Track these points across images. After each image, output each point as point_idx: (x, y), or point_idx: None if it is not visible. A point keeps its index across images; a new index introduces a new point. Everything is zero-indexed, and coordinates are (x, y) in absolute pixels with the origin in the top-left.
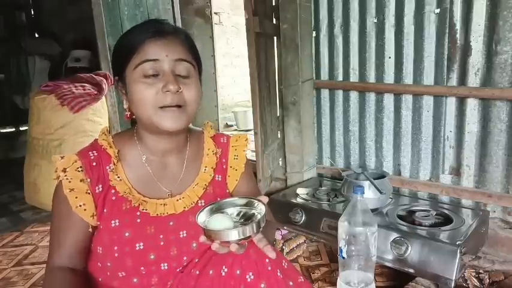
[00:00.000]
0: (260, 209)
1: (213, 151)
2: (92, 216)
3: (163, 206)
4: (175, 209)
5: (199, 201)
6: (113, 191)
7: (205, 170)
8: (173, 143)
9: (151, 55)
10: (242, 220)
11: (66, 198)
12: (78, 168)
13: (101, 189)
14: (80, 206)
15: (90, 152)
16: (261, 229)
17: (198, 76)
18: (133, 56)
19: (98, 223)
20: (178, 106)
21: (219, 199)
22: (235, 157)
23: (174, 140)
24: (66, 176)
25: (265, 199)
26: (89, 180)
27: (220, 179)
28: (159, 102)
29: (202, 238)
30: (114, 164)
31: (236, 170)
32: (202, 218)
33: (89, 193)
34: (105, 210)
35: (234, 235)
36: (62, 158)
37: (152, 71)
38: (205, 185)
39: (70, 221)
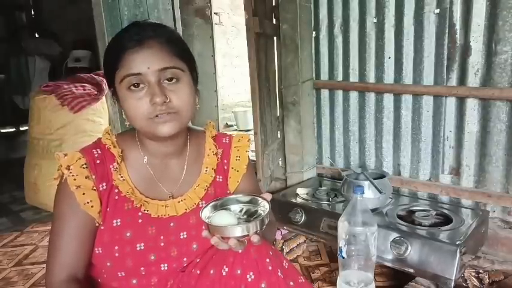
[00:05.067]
0: (264, 206)
1: (213, 151)
2: (98, 213)
3: (164, 207)
4: (177, 211)
5: (200, 203)
6: (116, 190)
7: (206, 170)
8: (172, 146)
9: (134, 69)
10: (245, 217)
11: (71, 196)
12: (82, 165)
13: (105, 187)
14: (88, 202)
15: (93, 150)
16: (264, 226)
17: (189, 76)
18: (117, 70)
19: (101, 222)
20: (171, 113)
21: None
22: (237, 158)
23: (173, 143)
24: (71, 172)
25: (269, 196)
26: (93, 177)
27: (221, 179)
28: (150, 114)
29: (205, 233)
30: (117, 163)
31: (237, 171)
32: (206, 213)
33: (94, 189)
34: (108, 209)
35: (237, 231)
36: (65, 155)
37: (137, 83)
38: (206, 186)
39: (75, 219)
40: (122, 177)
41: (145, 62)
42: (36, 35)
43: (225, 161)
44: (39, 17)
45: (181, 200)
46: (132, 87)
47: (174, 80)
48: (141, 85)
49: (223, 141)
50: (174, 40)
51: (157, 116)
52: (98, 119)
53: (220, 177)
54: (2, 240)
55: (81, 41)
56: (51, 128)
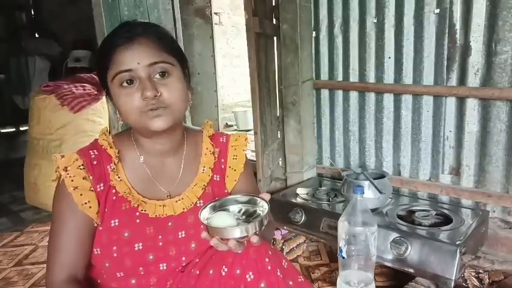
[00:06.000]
0: (262, 206)
1: (210, 151)
2: (96, 213)
3: (162, 207)
4: (175, 210)
5: (198, 202)
6: (113, 190)
7: (203, 170)
8: (168, 144)
9: (124, 65)
10: (244, 217)
11: (69, 197)
12: (79, 166)
13: (102, 187)
14: (86, 203)
15: (90, 151)
16: (263, 227)
17: (180, 71)
18: (108, 69)
19: (99, 222)
20: (162, 107)
21: (217, 198)
22: (234, 157)
23: (169, 141)
24: (68, 174)
25: (267, 196)
26: (91, 177)
27: (218, 179)
28: (141, 108)
29: (204, 234)
30: (114, 164)
31: (235, 170)
32: (204, 215)
33: (92, 190)
34: (106, 210)
35: (236, 233)
36: (62, 157)
37: (128, 80)
38: (204, 185)
39: (74, 220)
40: (119, 177)
41: (136, 58)
42: (36, 35)
43: (222, 160)
44: (39, 17)
45: (179, 200)
46: (124, 84)
47: (165, 75)
48: (133, 81)
49: (221, 140)
50: (163, 37)
51: (149, 110)
52: (98, 119)
53: (218, 176)
54: (2, 240)
55: (81, 41)
56: (51, 128)
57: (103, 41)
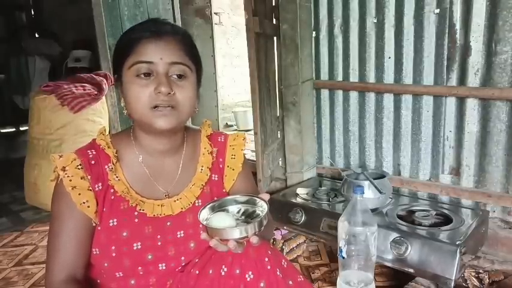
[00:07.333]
0: (261, 206)
1: (208, 150)
2: (95, 213)
3: (160, 206)
4: (173, 210)
5: (196, 202)
6: (111, 190)
7: (201, 169)
8: (169, 143)
9: (146, 57)
10: (243, 218)
11: (68, 196)
12: (77, 166)
13: (100, 187)
14: (84, 203)
15: (88, 151)
16: (263, 228)
17: (195, 78)
18: (129, 56)
19: (98, 222)
20: (171, 106)
21: (215, 198)
22: (233, 157)
23: (170, 140)
24: (66, 174)
25: (267, 196)
26: (89, 177)
27: (216, 178)
28: (151, 103)
29: (204, 235)
30: (113, 163)
31: (233, 169)
32: (204, 215)
33: (90, 190)
34: (104, 209)
35: (236, 233)
36: (60, 156)
37: (146, 72)
38: (202, 185)
39: (73, 220)
40: (117, 177)
41: (159, 53)
42: (36, 35)
43: (221, 160)
44: (39, 17)
45: (177, 199)
46: (140, 75)
47: (181, 77)
48: (150, 75)
49: (219, 139)
50: (188, 40)
51: (157, 107)
52: (98, 119)
53: (216, 176)
54: (2, 240)
55: (81, 41)
56: (51, 128)
57: (127, 31)
